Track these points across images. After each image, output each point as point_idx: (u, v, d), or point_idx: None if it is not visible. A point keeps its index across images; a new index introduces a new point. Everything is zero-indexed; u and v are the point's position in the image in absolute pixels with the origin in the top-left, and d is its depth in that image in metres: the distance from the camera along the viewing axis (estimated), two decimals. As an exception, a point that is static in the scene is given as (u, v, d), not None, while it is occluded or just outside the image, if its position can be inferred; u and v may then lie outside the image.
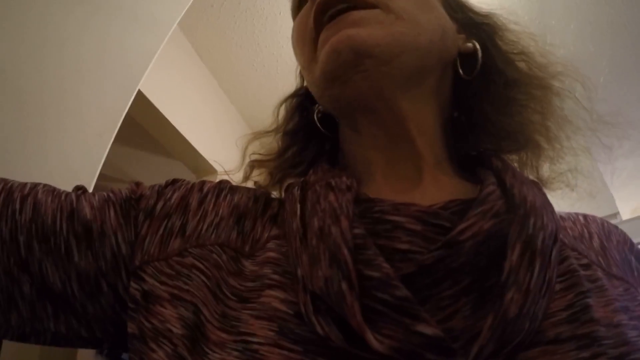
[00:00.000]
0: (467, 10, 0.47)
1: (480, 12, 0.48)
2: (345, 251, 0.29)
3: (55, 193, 0.40)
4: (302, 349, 0.29)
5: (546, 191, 0.42)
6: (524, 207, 0.32)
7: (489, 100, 0.44)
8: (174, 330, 0.32)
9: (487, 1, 0.51)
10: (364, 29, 0.36)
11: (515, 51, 0.45)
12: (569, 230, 0.40)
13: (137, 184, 0.43)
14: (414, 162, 0.40)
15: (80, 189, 0.42)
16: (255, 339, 0.29)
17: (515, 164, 0.45)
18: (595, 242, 0.39)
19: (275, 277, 0.33)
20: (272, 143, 0.50)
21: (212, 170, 1.97)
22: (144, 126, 1.67)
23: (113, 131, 0.99)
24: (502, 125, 0.43)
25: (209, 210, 0.39)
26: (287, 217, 0.36)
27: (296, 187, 0.38)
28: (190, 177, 2.01)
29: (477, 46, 0.43)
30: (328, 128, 0.47)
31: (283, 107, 0.52)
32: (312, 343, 0.29)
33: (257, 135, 0.52)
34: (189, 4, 1.13)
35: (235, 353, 0.29)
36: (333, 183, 0.35)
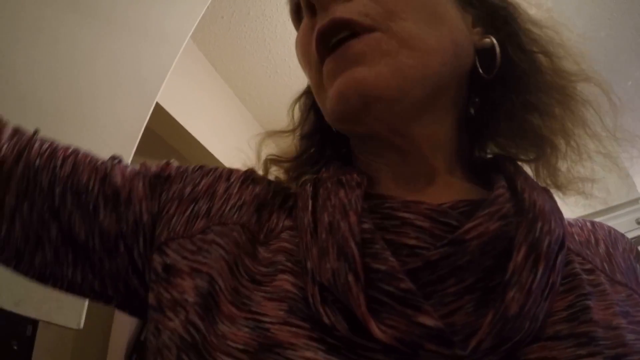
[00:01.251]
0: None
1: None
2: (353, 244, 0.31)
3: (93, 157, 0.44)
4: (309, 326, 0.30)
5: (560, 196, 0.43)
6: (532, 211, 0.33)
7: (507, 103, 0.42)
8: (189, 299, 0.34)
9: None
10: (369, 68, 0.35)
11: (537, 49, 0.42)
12: (575, 236, 0.41)
13: (167, 163, 0.46)
14: (426, 172, 0.40)
15: (116, 159, 0.45)
16: (266, 319, 0.31)
17: (532, 166, 0.44)
18: (601, 249, 0.40)
19: (288, 264, 0.35)
20: (289, 145, 0.51)
21: (232, 177, 2.02)
22: (163, 137, 1.73)
23: (134, 144, 1.03)
24: (519, 125, 0.43)
25: (233, 194, 0.42)
26: (300, 211, 0.37)
27: (308, 184, 0.39)
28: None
29: (495, 42, 0.40)
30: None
31: (297, 106, 0.52)
32: (320, 323, 0.30)
33: (271, 134, 0.52)
34: (199, 18, 1.17)
35: (246, 329, 0.31)
36: (344, 180, 0.37)
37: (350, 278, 0.29)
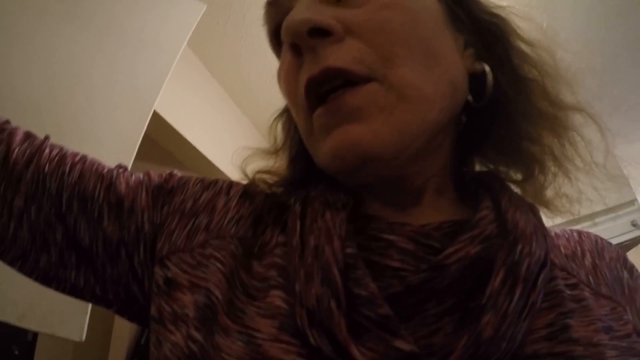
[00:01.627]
0: (474, 12, 0.42)
1: (486, 9, 0.43)
2: (336, 271, 0.32)
3: (100, 165, 0.45)
4: (299, 343, 0.31)
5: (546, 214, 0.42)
6: (514, 233, 0.33)
7: (497, 126, 0.42)
8: (189, 314, 0.35)
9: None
10: (365, 126, 0.33)
11: (529, 75, 0.41)
12: (562, 248, 0.41)
13: (170, 174, 0.47)
14: (415, 195, 0.40)
15: (122, 167, 0.46)
16: (259, 335, 0.32)
17: (520, 185, 0.43)
18: (587, 261, 0.40)
19: (280, 279, 0.36)
20: (277, 165, 0.49)
21: (229, 181, 2.03)
22: (160, 143, 1.73)
23: (133, 152, 1.04)
24: (510, 148, 0.42)
25: (231, 207, 0.43)
26: (289, 232, 0.38)
27: (297, 203, 0.39)
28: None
29: (487, 70, 0.39)
30: None
31: (280, 123, 0.50)
32: (309, 339, 0.31)
33: (256, 155, 0.50)
34: (194, 26, 1.17)
35: (240, 343, 0.32)
36: (330, 200, 0.37)
37: (333, 304, 0.30)
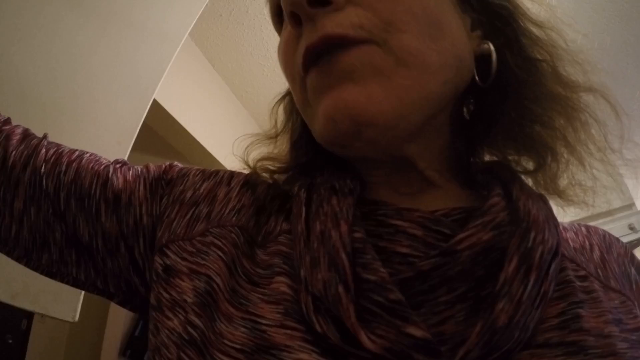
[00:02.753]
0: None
1: None
2: (343, 255, 0.31)
3: (96, 162, 0.45)
4: (304, 328, 0.31)
5: (560, 205, 0.41)
6: (526, 221, 0.32)
7: (505, 111, 0.40)
8: (188, 299, 0.34)
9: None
10: (360, 88, 0.31)
11: (538, 55, 0.39)
12: (570, 241, 0.40)
13: (170, 165, 0.47)
14: (421, 180, 0.39)
15: (119, 162, 0.46)
16: (264, 321, 0.31)
17: (532, 176, 0.42)
18: (596, 254, 0.39)
19: (285, 267, 0.35)
20: (279, 150, 0.47)
21: (228, 174, 2.04)
22: (160, 134, 1.73)
23: (131, 140, 1.04)
24: (519, 134, 0.41)
25: (232, 197, 0.42)
26: (294, 218, 0.37)
27: (303, 189, 0.39)
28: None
29: (492, 49, 0.37)
30: None
31: (281, 107, 0.49)
32: (314, 327, 0.30)
33: (257, 141, 0.49)
34: (197, 16, 1.17)
35: (243, 329, 0.31)
36: (337, 186, 0.36)
37: (341, 289, 0.29)
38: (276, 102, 0.50)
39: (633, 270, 0.40)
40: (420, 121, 0.34)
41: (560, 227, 0.40)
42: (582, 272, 0.36)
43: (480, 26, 0.40)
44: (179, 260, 0.38)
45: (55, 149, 0.45)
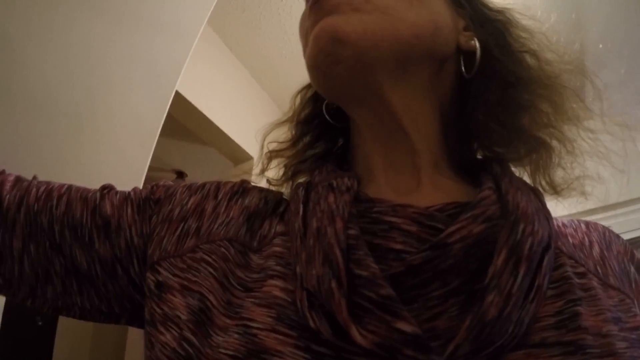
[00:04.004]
0: (479, 5, 0.46)
1: (493, 7, 0.46)
2: (337, 251, 0.31)
3: (84, 191, 0.47)
4: (296, 335, 0.31)
5: (559, 199, 0.43)
6: (515, 213, 0.32)
7: (490, 100, 0.42)
8: (182, 316, 0.35)
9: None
10: (340, 16, 0.37)
11: (524, 49, 0.43)
12: (569, 237, 0.40)
13: (157, 185, 0.48)
14: (411, 158, 0.41)
15: (105, 188, 0.48)
16: (254, 324, 0.32)
17: (528, 168, 0.44)
18: (595, 251, 0.39)
19: (278, 268, 0.35)
20: (287, 132, 0.52)
21: (248, 157, 2.06)
22: (181, 122, 1.76)
23: (155, 136, 1.04)
24: (506, 125, 0.42)
25: (221, 213, 0.43)
26: (291, 216, 0.38)
27: (301, 188, 0.40)
28: (228, 164, 2.10)
29: (477, 45, 0.41)
30: (341, 122, 0.48)
31: (299, 97, 0.53)
32: (307, 330, 0.31)
33: (275, 125, 0.53)
34: (212, 6, 1.16)
35: (236, 336, 0.32)
36: (334, 184, 0.37)
37: (333, 284, 0.30)
38: (296, 92, 0.54)
39: (633, 268, 0.40)
40: (390, 57, 0.37)
41: (559, 223, 0.41)
42: (581, 269, 0.36)
43: (473, 29, 0.43)
44: (170, 276, 0.39)
45: (45, 186, 0.47)
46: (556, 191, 0.44)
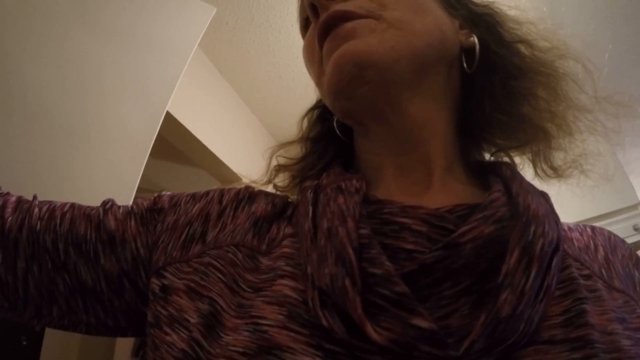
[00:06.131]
0: (468, 4, 0.48)
1: (479, 3, 0.48)
2: (350, 250, 0.31)
3: (87, 208, 0.47)
4: (308, 333, 0.31)
5: (561, 181, 0.45)
6: (526, 215, 0.33)
7: (493, 92, 0.44)
8: (191, 320, 0.35)
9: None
10: (359, 40, 0.38)
11: (516, 39, 0.45)
12: (575, 241, 0.41)
13: (159, 196, 0.48)
14: (425, 165, 0.41)
15: (107, 203, 0.48)
16: (265, 322, 0.32)
17: (529, 155, 0.46)
18: (600, 255, 0.40)
19: (288, 268, 0.36)
20: (295, 149, 0.54)
21: (237, 178, 2.06)
22: (171, 142, 1.77)
23: (145, 154, 1.03)
24: (509, 115, 0.44)
25: (228, 223, 0.42)
26: (300, 218, 0.38)
27: (309, 190, 0.40)
28: (216, 185, 2.09)
29: (475, 39, 0.43)
30: (346, 134, 0.50)
31: (306, 119, 0.55)
32: (318, 328, 0.31)
33: (282, 146, 0.55)
34: (205, 27, 1.19)
35: (246, 333, 0.32)
36: (343, 186, 0.38)
37: (347, 282, 0.30)
38: (303, 114, 0.56)
39: (637, 273, 0.41)
40: (410, 70, 0.39)
41: (565, 227, 0.42)
42: (586, 271, 0.37)
43: (468, 26, 0.46)
44: (176, 280, 0.38)
45: (47, 205, 0.46)
46: (558, 174, 0.45)
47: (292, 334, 0.31)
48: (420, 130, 0.41)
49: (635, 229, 1.77)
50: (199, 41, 1.19)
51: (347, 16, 0.39)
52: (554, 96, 0.44)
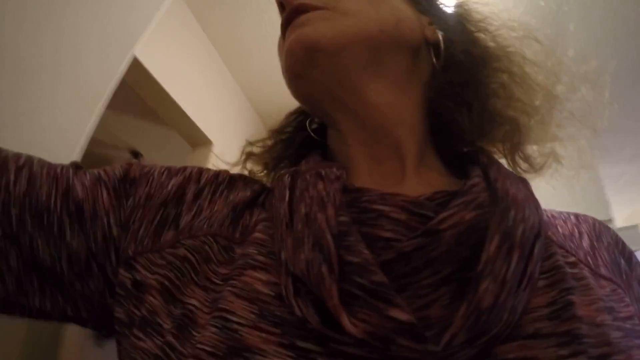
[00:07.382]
0: (435, 2, 0.49)
1: (449, 4, 0.49)
2: (329, 236, 0.30)
3: (50, 167, 0.39)
4: (280, 332, 0.29)
5: (537, 174, 0.45)
6: (505, 200, 0.32)
7: (460, 86, 0.43)
8: (164, 325, 0.32)
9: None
10: (311, 27, 0.39)
11: (480, 30, 0.46)
12: (559, 228, 0.40)
13: (130, 164, 0.43)
14: (397, 154, 0.41)
15: (74, 166, 0.41)
16: (235, 318, 0.30)
17: (506, 152, 0.45)
18: (585, 242, 0.39)
19: (260, 257, 0.34)
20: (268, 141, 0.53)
21: (208, 142, 1.96)
22: (140, 94, 1.64)
23: (103, 94, 0.97)
24: (479, 110, 0.43)
25: (204, 208, 0.40)
26: (276, 201, 0.37)
27: (287, 175, 0.39)
28: (186, 147, 2.00)
29: (439, 35, 0.44)
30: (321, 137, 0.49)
31: (285, 119, 0.54)
32: (291, 325, 0.30)
33: (260, 141, 0.54)
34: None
35: (214, 329, 0.29)
36: (323, 172, 0.36)
37: (324, 269, 0.29)
38: (285, 116, 0.55)
39: (623, 260, 0.40)
40: (362, 54, 0.39)
41: (549, 214, 0.42)
42: (572, 259, 0.36)
43: (437, 24, 0.46)
44: (149, 275, 0.35)
45: None
46: (533, 167, 0.45)
47: (263, 334, 0.29)
48: (385, 118, 0.41)
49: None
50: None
51: (304, 8, 0.40)
52: (521, 84, 0.44)
